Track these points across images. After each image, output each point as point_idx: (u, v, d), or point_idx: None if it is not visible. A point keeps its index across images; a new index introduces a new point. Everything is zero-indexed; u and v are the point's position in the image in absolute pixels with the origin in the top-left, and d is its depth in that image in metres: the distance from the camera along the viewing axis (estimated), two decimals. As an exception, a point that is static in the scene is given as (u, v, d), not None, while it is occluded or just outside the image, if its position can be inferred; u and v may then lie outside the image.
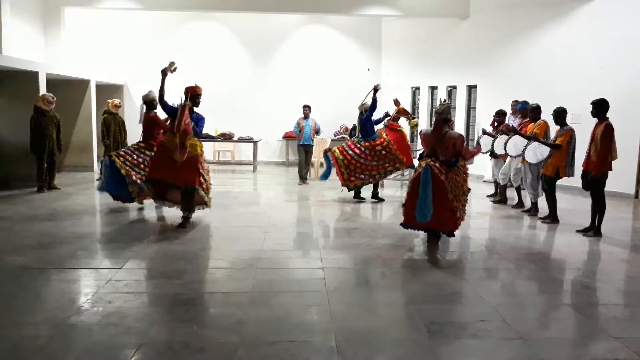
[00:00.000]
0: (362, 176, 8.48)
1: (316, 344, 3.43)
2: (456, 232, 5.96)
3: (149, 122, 7.68)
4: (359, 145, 8.55)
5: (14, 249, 5.59)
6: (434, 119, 6.30)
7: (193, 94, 6.71)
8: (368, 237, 6.37)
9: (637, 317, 4.04)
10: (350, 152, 8.51)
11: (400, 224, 5.98)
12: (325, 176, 8.89)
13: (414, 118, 9.77)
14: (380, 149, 8.50)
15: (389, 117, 9.00)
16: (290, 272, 5.01)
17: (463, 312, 4.05)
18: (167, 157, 6.43)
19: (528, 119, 8.07)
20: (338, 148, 8.68)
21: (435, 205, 5.38)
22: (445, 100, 6.17)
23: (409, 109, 14.16)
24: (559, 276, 5.16)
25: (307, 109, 11.19)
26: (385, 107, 11.21)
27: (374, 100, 8.60)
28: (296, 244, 6.24)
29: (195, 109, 6.82)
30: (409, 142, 9.31)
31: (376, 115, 8.88)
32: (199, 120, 6.80)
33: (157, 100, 6.76)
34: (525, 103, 8.44)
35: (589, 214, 6.66)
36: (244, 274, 4.84)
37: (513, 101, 9.31)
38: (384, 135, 8.64)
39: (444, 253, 5.78)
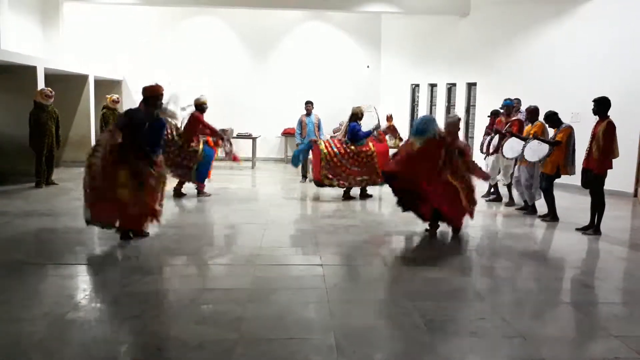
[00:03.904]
0: (337, 177, 8.43)
1: (315, 341, 3.41)
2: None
3: (195, 120, 8.23)
4: (345, 147, 8.52)
5: (12, 244, 5.57)
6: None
7: (153, 95, 5.57)
8: (367, 234, 6.36)
9: (636, 316, 4.03)
10: (335, 149, 8.48)
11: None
12: (295, 160, 9.00)
13: (400, 139, 9.54)
14: (364, 156, 8.47)
15: (379, 128, 8.85)
16: (289, 269, 5.00)
17: (462, 309, 4.04)
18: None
19: (513, 117, 8.05)
20: (325, 142, 8.67)
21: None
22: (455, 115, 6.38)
23: (408, 106, 14.20)
24: (559, 274, 5.15)
25: (309, 105, 10.82)
26: (380, 110, 10.86)
27: (369, 133, 8.53)
28: (295, 240, 6.21)
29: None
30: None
31: (365, 127, 8.78)
32: (160, 128, 5.71)
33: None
34: (511, 100, 8.32)
35: (588, 212, 6.65)
36: (243, 270, 4.83)
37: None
38: (371, 145, 8.59)
39: (443, 250, 5.78)
